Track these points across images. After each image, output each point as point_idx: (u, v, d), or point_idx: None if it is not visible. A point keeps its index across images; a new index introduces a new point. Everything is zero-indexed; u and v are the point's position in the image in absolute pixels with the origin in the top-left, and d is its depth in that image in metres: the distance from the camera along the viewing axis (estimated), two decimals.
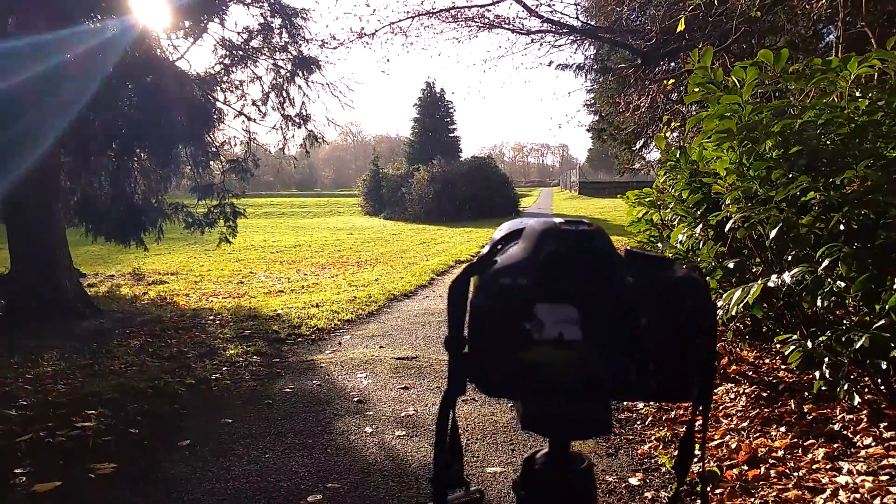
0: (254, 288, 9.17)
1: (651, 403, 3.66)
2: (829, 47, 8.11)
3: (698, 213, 3.83)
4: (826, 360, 2.76)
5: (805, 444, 2.83)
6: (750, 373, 3.81)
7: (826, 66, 2.90)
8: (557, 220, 0.50)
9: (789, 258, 2.99)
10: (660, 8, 10.28)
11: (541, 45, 11.81)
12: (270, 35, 8.01)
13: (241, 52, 7.92)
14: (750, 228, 3.13)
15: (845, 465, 2.57)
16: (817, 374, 2.81)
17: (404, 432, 3.44)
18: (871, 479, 2.41)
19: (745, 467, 2.72)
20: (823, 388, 2.83)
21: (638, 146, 14.31)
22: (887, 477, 2.41)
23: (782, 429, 3.01)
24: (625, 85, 11.74)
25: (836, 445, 2.75)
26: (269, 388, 4.31)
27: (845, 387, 2.70)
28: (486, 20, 11.64)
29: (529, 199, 38.71)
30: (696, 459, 0.52)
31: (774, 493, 2.46)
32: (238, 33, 7.90)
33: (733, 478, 2.64)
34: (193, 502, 2.72)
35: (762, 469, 2.67)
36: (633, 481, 2.79)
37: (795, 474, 2.59)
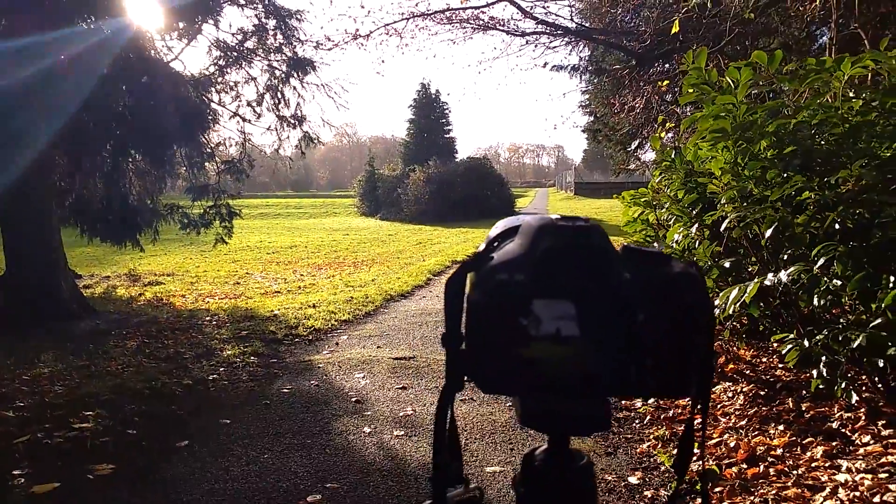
0: (250, 289, 9.16)
1: (649, 402, 3.67)
2: (822, 49, 8.13)
3: (694, 212, 3.84)
4: (823, 358, 2.77)
5: (804, 442, 2.84)
6: (747, 371, 3.82)
7: (820, 67, 2.91)
8: (554, 216, 0.50)
9: (785, 257, 3.00)
10: (654, 10, 10.30)
11: (535, 46, 11.83)
12: (265, 36, 8.01)
13: (235, 54, 7.91)
14: (745, 228, 3.14)
15: (844, 463, 2.58)
16: (815, 372, 2.82)
17: (403, 432, 3.44)
18: (870, 476, 2.42)
19: (745, 465, 2.73)
20: (821, 386, 2.84)
21: (633, 147, 14.32)
22: (886, 475, 2.42)
23: (781, 427, 3.02)
24: (619, 86, 11.75)
25: (834, 443, 2.76)
26: (266, 388, 4.30)
27: (843, 385, 2.71)
28: (481, 22, 11.65)
29: (525, 200, 38.74)
30: (695, 457, 0.52)
31: (774, 492, 2.47)
32: (232, 34, 7.90)
33: (732, 476, 2.65)
34: (192, 503, 2.71)
35: (761, 467, 2.68)
36: (633, 480, 2.80)
37: (794, 472, 2.60)
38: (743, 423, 3.17)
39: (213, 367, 4.75)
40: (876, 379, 2.88)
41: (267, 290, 8.92)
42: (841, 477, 2.48)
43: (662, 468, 2.91)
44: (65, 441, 3.27)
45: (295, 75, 8.25)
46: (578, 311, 0.46)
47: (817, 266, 2.60)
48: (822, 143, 2.95)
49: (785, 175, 2.90)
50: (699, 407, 0.51)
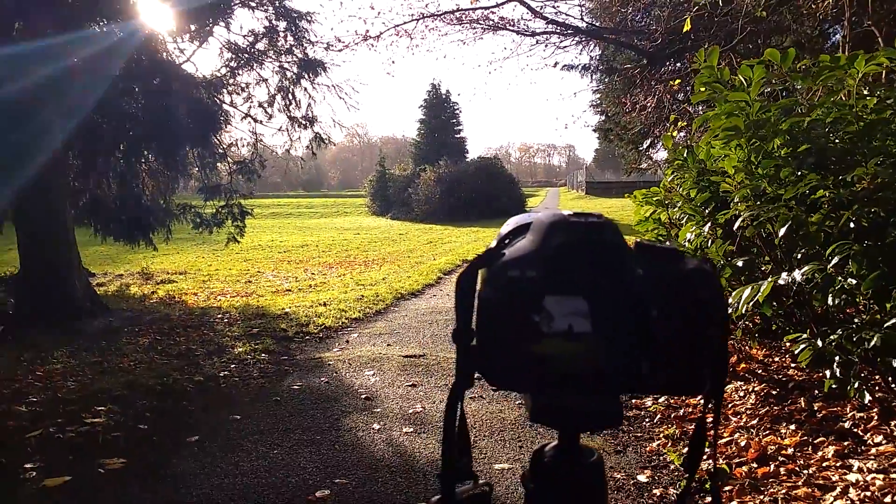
0: (262, 287, 9.21)
1: (660, 400, 3.65)
2: (835, 47, 8.06)
3: (706, 211, 3.81)
4: (837, 358, 2.74)
5: (815, 441, 2.82)
6: (759, 371, 3.80)
7: (834, 64, 2.88)
8: (566, 212, 0.50)
9: (799, 256, 2.98)
10: (665, 8, 10.24)
11: (546, 46, 11.79)
12: (276, 38, 8.03)
13: (246, 55, 7.95)
14: (759, 227, 3.12)
15: (856, 463, 2.56)
16: (828, 372, 2.80)
17: (412, 429, 3.44)
18: (881, 476, 2.40)
19: (755, 465, 2.71)
20: (834, 386, 2.81)
21: (645, 146, 14.25)
22: None
23: (792, 426, 3.00)
24: (631, 85, 11.69)
25: (846, 443, 2.74)
26: (277, 385, 4.32)
27: (856, 385, 2.68)
28: (491, 22, 11.62)
29: (536, 200, 38.63)
30: (705, 456, 0.52)
31: (784, 491, 2.45)
32: (244, 36, 7.94)
33: (743, 475, 2.63)
34: (202, 498, 2.73)
35: (772, 467, 2.66)
36: (642, 478, 2.79)
37: (805, 472, 2.58)
38: (754, 422, 3.15)
39: (225, 364, 4.79)
40: (889, 379, 2.85)
41: (278, 289, 8.96)
42: (852, 477, 2.46)
43: (672, 467, 2.89)
44: (76, 436, 3.31)
45: (306, 76, 8.27)
46: (591, 308, 0.46)
47: (831, 265, 2.58)
48: (837, 141, 2.92)
49: (799, 173, 2.87)
50: (711, 405, 0.51)
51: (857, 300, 2.82)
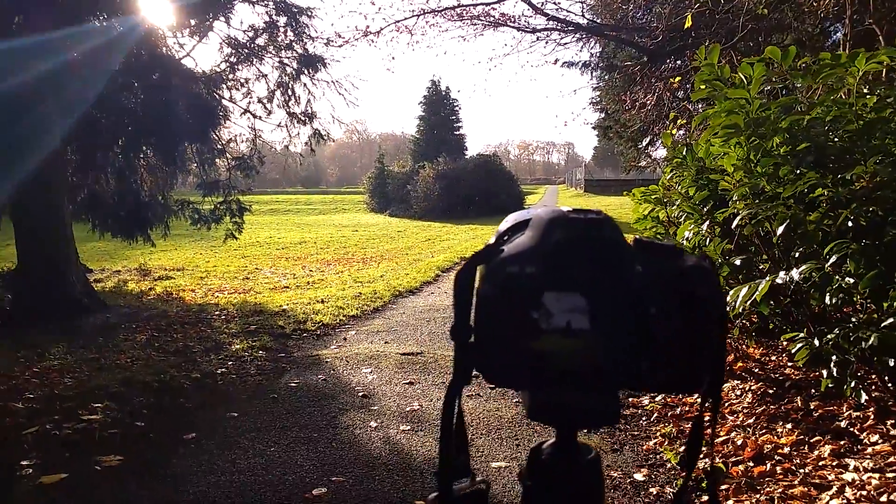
0: (259, 284, 9.20)
1: (657, 399, 3.65)
2: (836, 45, 8.06)
3: (705, 209, 3.81)
4: (834, 357, 2.74)
5: (811, 440, 2.82)
6: (756, 370, 3.80)
7: (834, 62, 2.88)
8: (565, 208, 0.50)
9: (797, 255, 2.98)
10: (666, 6, 10.22)
11: (546, 43, 11.75)
12: (276, 33, 8.02)
13: (246, 51, 7.94)
14: (757, 225, 3.12)
15: (852, 462, 2.56)
16: (824, 371, 2.80)
17: (409, 427, 3.44)
18: (878, 476, 2.40)
19: (751, 464, 2.71)
20: (830, 385, 2.81)
21: (644, 144, 14.25)
22: (894, 474, 2.40)
23: (788, 426, 3.00)
24: (631, 82, 11.68)
25: (842, 442, 2.74)
26: (274, 382, 4.32)
27: (852, 384, 2.68)
28: (492, 18, 11.59)
29: (535, 197, 38.65)
30: (701, 455, 0.51)
31: (780, 490, 2.46)
32: (244, 31, 7.93)
33: (739, 474, 2.63)
34: (199, 495, 2.73)
35: (768, 465, 2.66)
36: (639, 477, 2.79)
37: (801, 471, 2.59)
38: (751, 421, 3.15)
39: (222, 361, 4.78)
40: (886, 378, 2.85)
41: (276, 286, 8.95)
42: (848, 476, 2.47)
43: (668, 465, 2.89)
44: (73, 433, 3.30)
45: (305, 72, 8.27)
46: (589, 304, 0.46)
47: (829, 264, 2.58)
48: (836, 139, 2.92)
49: (798, 172, 2.87)
50: (709, 403, 0.50)
51: (855, 299, 2.82)
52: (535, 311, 0.46)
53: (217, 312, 6.76)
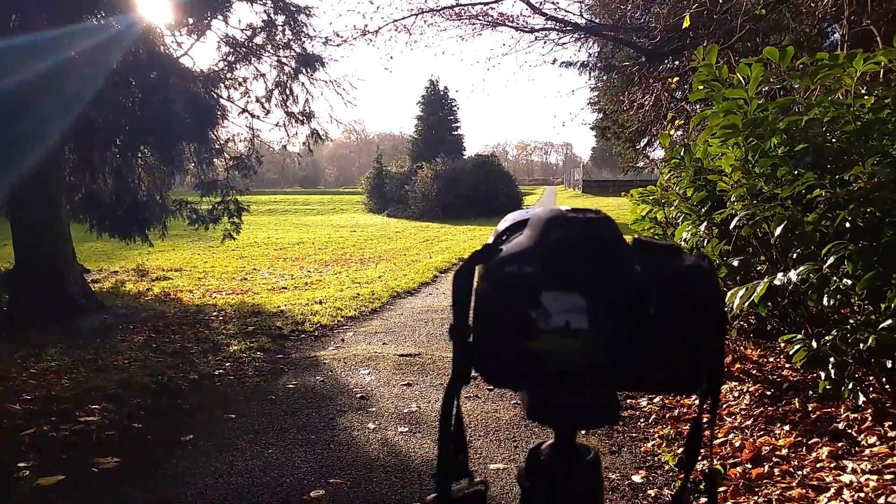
0: (257, 284, 9.19)
1: (654, 401, 3.65)
2: (833, 46, 8.07)
3: (703, 210, 3.81)
4: (831, 359, 2.74)
5: (809, 442, 2.82)
6: (754, 371, 3.80)
7: (832, 62, 2.88)
8: (563, 207, 0.50)
9: (794, 256, 2.98)
10: (664, 6, 10.24)
11: (545, 42, 11.76)
12: (274, 32, 8.01)
13: (244, 49, 7.93)
14: (755, 226, 3.12)
15: (850, 464, 2.56)
16: (822, 373, 2.80)
17: (407, 429, 3.44)
18: (875, 477, 2.40)
19: (749, 465, 2.71)
20: (828, 387, 2.81)
21: (642, 144, 14.27)
22: (892, 476, 2.40)
23: (786, 427, 3.00)
24: (629, 83, 11.69)
25: (840, 444, 2.74)
26: (272, 383, 4.31)
27: (850, 386, 2.68)
28: (490, 18, 11.60)
29: (533, 198, 38.67)
30: (700, 456, 0.51)
31: (778, 492, 2.46)
32: (241, 30, 7.91)
33: (737, 476, 2.63)
34: (196, 497, 2.72)
35: (766, 467, 2.66)
36: (637, 479, 2.79)
37: (799, 473, 2.59)
38: (748, 422, 3.15)
39: (220, 363, 4.77)
40: (884, 380, 2.86)
41: (274, 286, 8.94)
42: (846, 478, 2.47)
43: (666, 467, 2.89)
44: (70, 434, 3.29)
45: (304, 71, 8.26)
46: (588, 304, 0.46)
47: (827, 265, 2.58)
48: (834, 140, 2.92)
49: (796, 172, 2.87)
50: (707, 404, 0.50)
51: (853, 301, 2.82)
52: (534, 310, 0.46)
53: (215, 313, 6.75)
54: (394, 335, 5.68)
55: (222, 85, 8.01)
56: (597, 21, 12.08)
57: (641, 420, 3.48)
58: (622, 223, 0.51)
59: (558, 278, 0.46)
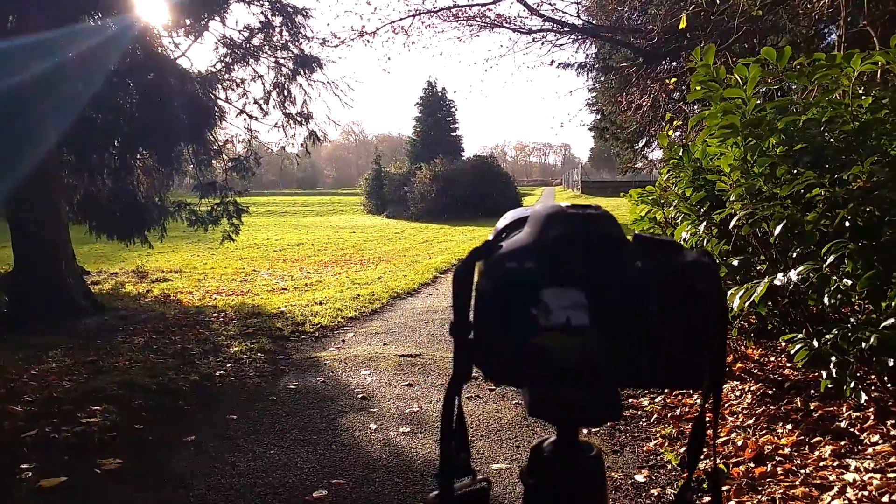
0: (257, 286, 9.18)
1: (656, 400, 3.65)
2: (830, 47, 8.08)
3: (702, 210, 3.81)
4: (833, 358, 2.74)
5: (812, 441, 2.82)
6: (755, 370, 3.80)
7: (830, 63, 2.89)
8: (564, 203, 0.50)
9: (794, 255, 2.98)
10: (661, 7, 10.24)
11: (542, 44, 11.76)
12: (271, 33, 8.01)
13: (242, 51, 7.93)
14: (754, 225, 3.12)
15: (853, 463, 2.56)
16: (824, 372, 2.80)
17: (409, 429, 3.44)
18: (878, 476, 2.40)
19: (752, 464, 2.71)
20: (830, 385, 2.82)
21: (640, 145, 14.26)
22: (895, 474, 2.40)
23: (789, 426, 3.00)
24: (627, 84, 11.69)
25: (843, 443, 2.74)
26: (273, 384, 4.31)
27: (852, 385, 2.68)
28: (488, 19, 11.60)
29: (532, 199, 38.64)
30: (702, 456, 0.51)
31: (781, 491, 2.45)
32: (239, 31, 7.91)
33: (740, 475, 2.63)
34: (199, 497, 2.72)
35: (769, 466, 2.66)
36: (639, 478, 2.79)
37: (802, 472, 2.59)
38: (751, 421, 3.15)
39: (220, 364, 4.77)
40: (885, 378, 2.86)
41: (274, 288, 8.93)
42: (849, 476, 2.47)
43: (669, 466, 2.89)
44: (72, 436, 3.29)
45: (302, 72, 8.26)
46: (588, 300, 0.46)
47: (827, 264, 2.58)
48: (832, 140, 2.92)
49: (795, 172, 2.88)
50: (710, 402, 0.50)
51: (853, 300, 2.82)
52: (534, 307, 0.46)
53: (215, 314, 6.75)
54: (394, 336, 5.68)
55: (220, 86, 8.01)
56: (594, 22, 12.08)
57: (644, 419, 3.48)
58: (621, 224, 0.51)
59: (559, 275, 0.46)
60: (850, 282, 2.55)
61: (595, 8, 12.30)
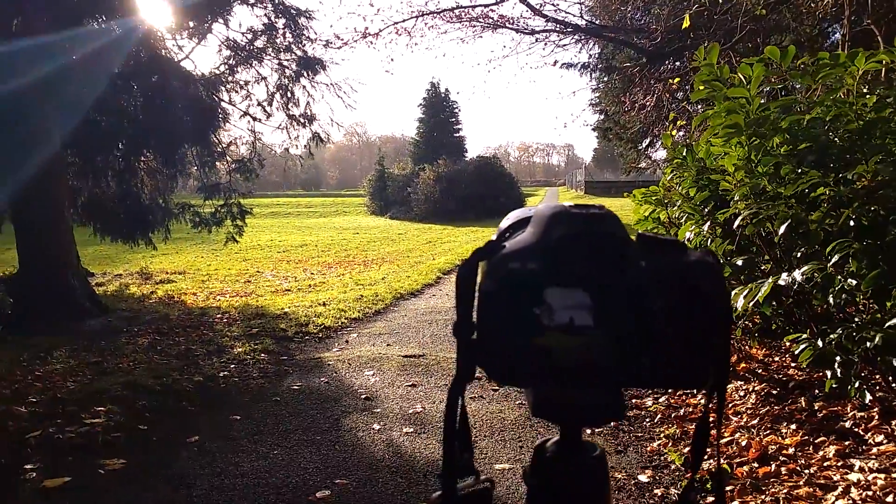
0: (261, 287, 9.20)
1: (660, 400, 3.65)
2: (834, 46, 8.06)
3: (706, 210, 3.80)
4: (837, 358, 2.73)
5: (816, 441, 2.81)
6: (759, 370, 3.79)
7: (833, 62, 2.88)
8: (567, 203, 0.50)
9: (798, 255, 2.97)
10: (664, 7, 10.24)
11: (545, 44, 11.77)
12: (275, 35, 8.02)
13: (245, 53, 7.94)
14: (758, 225, 3.11)
15: (857, 463, 2.55)
16: (828, 372, 2.79)
17: (412, 429, 3.44)
18: (883, 476, 2.39)
19: (756, 465, 2.71)
20: (834, 385, 2.80)
21: (644, 145, 14.25)
22: None
23: (793, 426, 2.99)
24: (630, 84, 11.68)
25: (847, 443, 2.73)
26: (277, 385, 4.32)
27: (856, 384, 2.67)
28: (491, 20, 11.61)
29: (535, 199, 38.63)
30: (706, 455, 0.51)
31: (785, 491, 2.45)
32: (242, 34, 7.93)
33: (744, 475, 2.62)
34: (202, 498, 2.72)
35: (773, 466, 2.66)
36: (643, 478, 2.78)
37: (806, 472, 2.58)
38: (755, 421, 3.14)
39: (224, 364, 4.78)
40: (890, 378, 2.84)
41: (277, 289, 8.95)
42: (853, 476, 2.46)
43: (673, 466, 2.89)
44: (76, 436, 3.30)
45: (305, 74, 8.26)
46: (592, 300, 0.45)
47: (831, 264, 2.57)
48: (836, 139, 2.91)
49: (799, 171, 2.87)
50: (713, 402, 0.50)
51: (858, 299, 2.81)
52: (538, 307, 0.46)
53: (219, 316, 6.76)
54: (398, 336, 5.68)
55: (224, 88, 8.03)
56: (597, 22, 12.08)
57: (647, 419, 3.48)
58: (625, 224, 0.51)
59: (562, 274, 0.46)
60: (854, 281, 2.54)
61: (598, 8, 12.30)
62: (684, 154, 4.00)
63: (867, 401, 2.75)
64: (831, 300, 2.65)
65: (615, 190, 35.23)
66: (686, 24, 6.75)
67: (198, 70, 7.82)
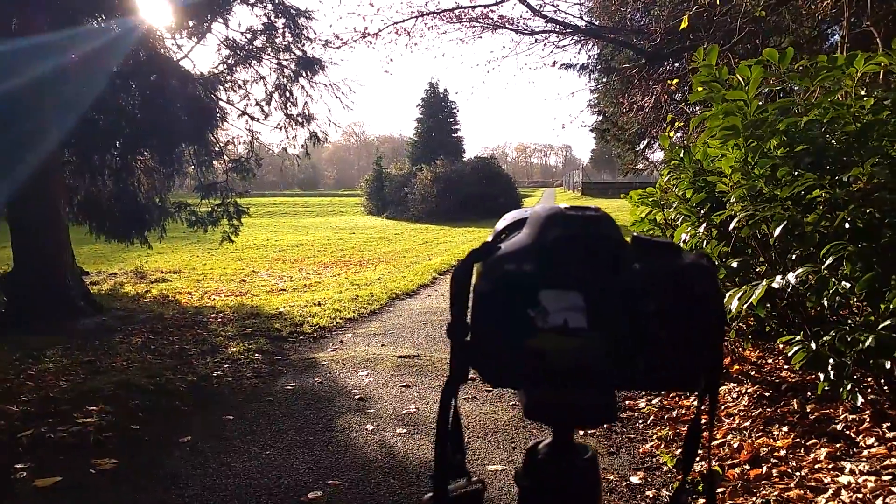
0: (256, 286, 9.18)
1: (653, 402, 3.65)
2: (833, 48, 8.09)
3: (702, 212, 3.81)
4: (830, 360, 2.74)
5: (807, 443, 2.82)
6: (752, 372, 3.80)
7: (832, 64, 2.88)
8: (563, 205, 0.50)
9: (793, 257, 2.98)
10: (664, 8, 10.26)
11: (545, 45, 11.77)
12: (274, 35, 8.01)
13: (244, 52, 7.93)
14: (754, 227, 3.11)
15: (848, 465, 2.56)
16: (821, 374, 2.79)
17: (405, 430, 3.43)
18: (873, 479, 2.40)
19: (747, 466, 2.71)
20: (827, 388, 2.81)
21: (641, 146, 14.28)
22: (890, 477, 2.40)
23: (785, 428, 3.00)
24: (629, 85, 11.70)
25: (838, 445, 2.74)
26: (270, 385, 4.30)
27: (848, 387, 2.68)
28: (491, 21, 11.61)
29: (533, 200, 38.65)
30: (698, 458, 0.51)
31: (776, 493, 2.45)
32: (242, 33, 7.91)
33: (735, 477, 2.63)
34: (194, 498, 2.71)
35: (764, 468, 2.66)
36: (635, 480, 2.78)
37: (797, 474, 2.58)
38: (747, 423, 3.15)
39: (218, 364, 4.76)
40: (882, 381, 2.85)
41: (273, 288, 8.93)
42: (844, 479, 2.46)
43: (665, 468, 2.89)
44: (68, 436, 3.28)
45: (304, 74, 8.25)
46: (586, 302, 0.45)
47: (826, 266, 2.58)
48: (834, 141, 2.92)
49: (796, 173, 2.87)
50: (706, 404, 0.50)
51: (852, 302, 2.81)
52: (532, 309, 0.46)
53: (213, 315, 6.74)
54: (392, 337, 5.68)
55: (222, 87, 8.01)
56: (596, 23, 12.09)
57: (640, 421, 3.48)
58: (621, 225, 0.50)
59: (557, 276, 0.46)
60: (848, 284, 2.55)
61: (598, 9, 12.32)
62: (681, 155, 4.01)
63: (859, 403, 2.76)
64: (825, 302, 2.66)
65: (612, 191, 35.28)
66: (685, 24, 6.76)
67: (196, 69, 7.81)
